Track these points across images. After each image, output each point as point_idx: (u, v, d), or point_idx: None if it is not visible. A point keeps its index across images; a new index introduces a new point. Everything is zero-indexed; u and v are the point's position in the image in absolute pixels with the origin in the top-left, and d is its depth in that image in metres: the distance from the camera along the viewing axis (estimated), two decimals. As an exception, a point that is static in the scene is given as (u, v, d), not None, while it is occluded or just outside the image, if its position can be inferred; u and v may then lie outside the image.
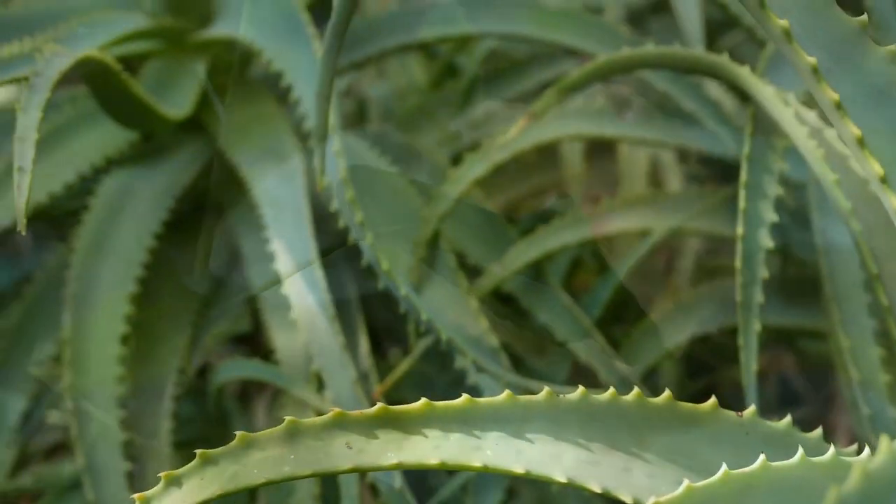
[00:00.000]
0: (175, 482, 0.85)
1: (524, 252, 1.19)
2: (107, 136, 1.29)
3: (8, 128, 1.33)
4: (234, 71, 1.32)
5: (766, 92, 1.02)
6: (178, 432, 1.21)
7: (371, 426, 0.85)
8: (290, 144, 1.24)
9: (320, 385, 1.16)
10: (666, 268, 1.42)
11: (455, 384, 1.27)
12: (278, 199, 1.20)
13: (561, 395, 0.86)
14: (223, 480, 0.83)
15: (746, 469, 0.79)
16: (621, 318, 1.37)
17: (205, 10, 1.28)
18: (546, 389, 0.86)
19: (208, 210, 1.33)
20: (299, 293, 1.13)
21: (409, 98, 1.47)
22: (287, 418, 0.83)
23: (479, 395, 1.12)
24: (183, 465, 1.23)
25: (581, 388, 0.86)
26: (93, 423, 1.16)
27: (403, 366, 1.17)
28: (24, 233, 0.89)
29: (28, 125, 0.95)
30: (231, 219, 1.30)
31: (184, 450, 1.26)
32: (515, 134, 1.15)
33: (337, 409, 0.84)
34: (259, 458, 0.83)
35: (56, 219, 1.31)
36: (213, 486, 0.83)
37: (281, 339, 1.20)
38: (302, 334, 1.12)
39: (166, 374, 1.24)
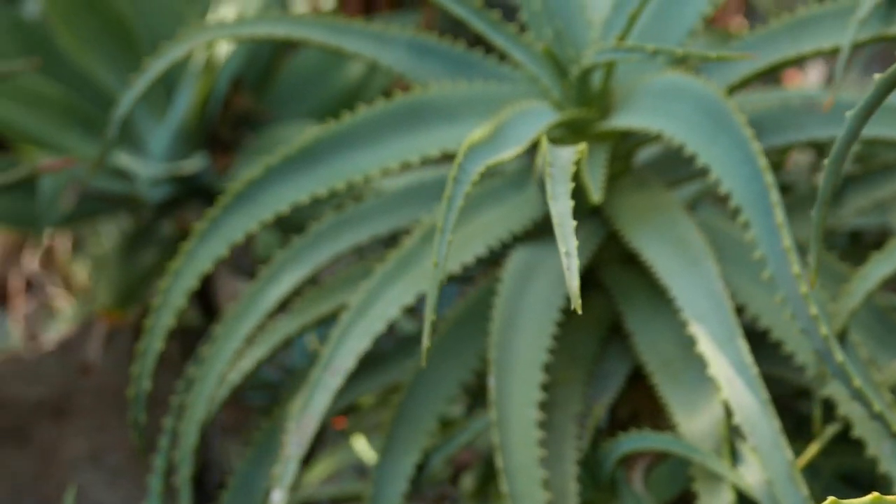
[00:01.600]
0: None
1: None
2: (512, 213, 1.34)
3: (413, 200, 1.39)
4: (626, 159, 1.37)
5: None
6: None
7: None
8: (691, 230, 1.28)
9: (733, 461, 1.20)
10: None
11: (839, 467, 1.31)
12: (690, 283, 1.24)
13: None
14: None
15: None
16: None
17: (607, 102, 1.33)
18: None
19: (596, 287, 1.37)
20: (728, 376, 1.17)
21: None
22: (873, 494, 0.86)
23: (891, 483, 1.16)
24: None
25: None
26: (519, 481, 1.21)
27: (812, 450, 1.21)
28: (579, 311, 0.93)
29: (563, 212, 1.00)
30: (616, 298, 1.35)
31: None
32: (936, 239, 1.20)
33: (874, 493, 0.88)
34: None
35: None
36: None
37: (682, 415, 1.25)
38: (737, 415, 1.16)
39: (567, 439, 1.28)
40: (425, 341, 1.03)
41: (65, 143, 1.91)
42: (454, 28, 1.63)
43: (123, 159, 1.85)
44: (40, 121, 1.91)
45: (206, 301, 2.08)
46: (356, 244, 1.39)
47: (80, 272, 2.37)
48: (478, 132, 1.17)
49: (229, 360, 1.35)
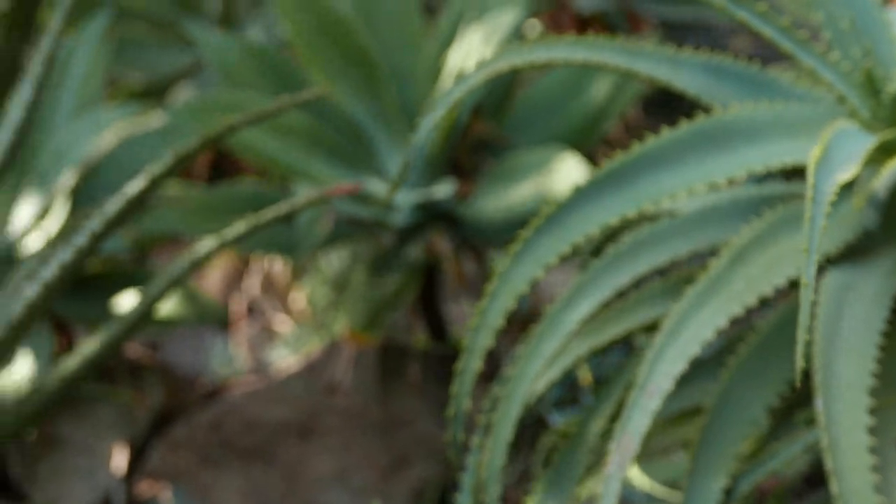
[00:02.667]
0: None
1: None
2: (823, 235, 1.28)
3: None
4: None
5: None
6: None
7: None
8: None
9: None
10: None
11: None
12: None
13: None
14: None
15: None
16: None
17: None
18: None
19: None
20: None
21: None
22: None
23: None
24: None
25: None
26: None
27: None
28: None
29: None
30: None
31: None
32: None
33: None
34: None
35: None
36: None
37: None
38: None
39: (892, 465, 1.23)
40: (799, 361, 0.98)
41: (310, 170, 1.90)
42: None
43: (376, 186, 1.83)
44: (287, 148, 1.90)
45: (435, 325, 2.06)
46: (655, 266, 1.34)
47: (300, 296, 2.36)
48: (815, 152, 1.13)
49: (532, 380, 1.31)
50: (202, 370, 2.19)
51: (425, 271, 1.97)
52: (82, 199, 1.95)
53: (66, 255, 1.32)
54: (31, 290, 1.32)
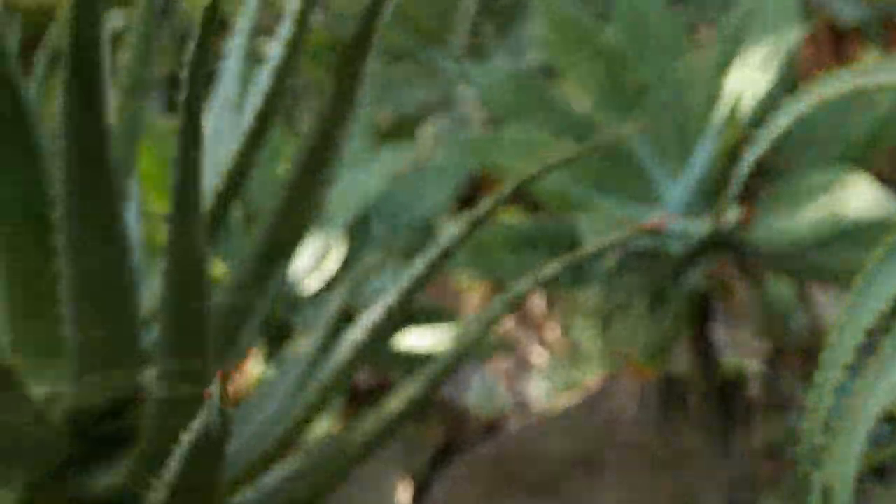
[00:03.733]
0: None
1: None
2: None
3: None
4: None
5: None
6: None
7: None
8: None
9: None
10: None
11: None
12: None
13: None
14: None
15: None
16: None
17: None
18: None
19: None
20: None
21: None
22: None
23: None
24: None
25: None
26: None
27: None
28: None
29: None
30: None
31: None
32: None
33: None
34: None
35: None
36: None
37: None
38: None
39: None
40: None
41: (586, 201, 1.93)
42: None
43: (669, 218, 1.85)
44: (564, 180, 1.92)
45: (712, 353, 2.06)
46: None
47: (556, 327, 2.39)
48: None
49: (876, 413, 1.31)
50: (464, 403, 2.23)
51: (703, 299, 1.98)
52: (356, 239, 2.02)
53: (392, 300, 1.36)
54: (358, 334, 1.37)
